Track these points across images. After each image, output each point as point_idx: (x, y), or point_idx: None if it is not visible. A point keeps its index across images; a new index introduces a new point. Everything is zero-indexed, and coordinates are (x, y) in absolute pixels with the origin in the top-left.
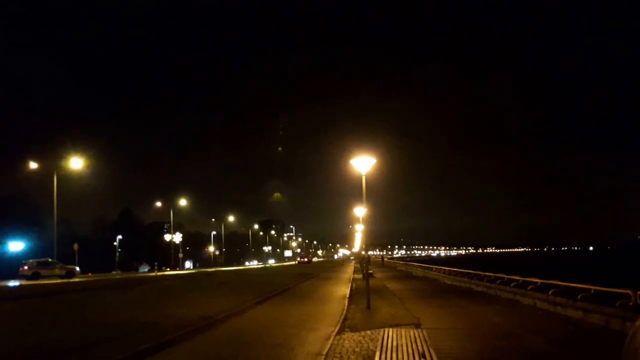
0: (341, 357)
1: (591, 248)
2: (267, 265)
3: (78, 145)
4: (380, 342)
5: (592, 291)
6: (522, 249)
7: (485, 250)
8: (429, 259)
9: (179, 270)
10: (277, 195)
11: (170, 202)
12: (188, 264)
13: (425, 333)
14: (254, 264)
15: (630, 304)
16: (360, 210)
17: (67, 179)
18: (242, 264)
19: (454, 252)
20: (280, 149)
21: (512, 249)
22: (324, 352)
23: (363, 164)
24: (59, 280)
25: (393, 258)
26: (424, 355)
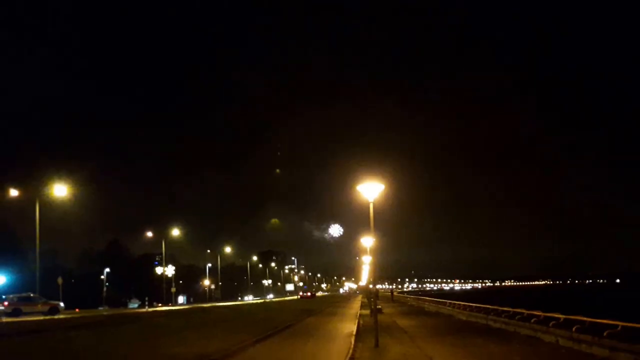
0: None
1: (618, 280)
2: (266, 300)
3: (62, 171)
4: None
5: (620, 327)
6: (543, 282)
7: (503, 284)
8: (442, 293)
9: (172, 305)
10: (274, 221)
11: (161, 233)
12: (181, 299)
13: None
14: (249, 299)
15: None
16: (367, 241)
17: (50, 207)
18: (237, 299)
19: (469, 286)
20: (278, 170)
21: (532, 281)
22: None
23: (371, 190)
24: (41, 317)
25: (403, 292)
26: None
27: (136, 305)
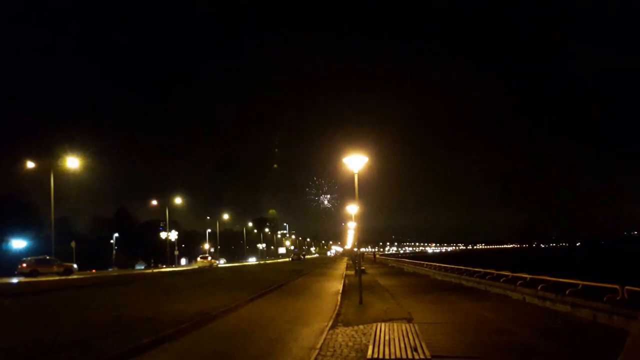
0: (334, 351)
1: (578, 244)
2: (261, 262)
3: (75, 144)
4: (372, 336)
5: (580, 286)
6: (511, 245)
7: (475, 247)
8: (420, 256)
9: (175, 267)
10: (272, 212)
11: (165, 201)
12: (183, 261)
13: (417, 327)
14: (253, 260)
15: (618, 298)
16: (353, 208)
17: (64, 177)
18: (240, 260)
19: (444, 249)
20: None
21: (501, 245)
22: (318, 346)
23: (355, 162)
24: (57, 278)
25: (385, 254)
26: (415, 349)
27: (142, 267)
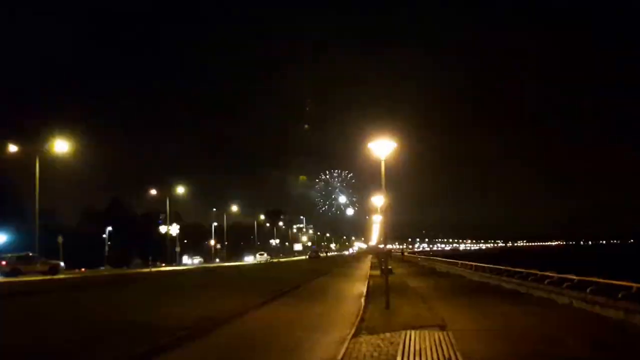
0: None
1: (631, 241)
2: (261, 262)
3: (63, 128)
4: (401, 345)
5: (635, 289)
6: (555, 242)
7: (515, 244)
8: (453, 254)
9: (176, 265)
10: (303, 178)
11: (165, 190)
12: (186, 259)
13: (451, 335)
14: (250, 259)
15: None
16: (379, 200)
17: (51, 164)
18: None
19: (481, 246)
20: (307, 126)
21: (545, 242)
22: (339, 357)
23: (382, 147)
24: (41, 277)
25: (414, 252)
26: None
27: (197, 260)
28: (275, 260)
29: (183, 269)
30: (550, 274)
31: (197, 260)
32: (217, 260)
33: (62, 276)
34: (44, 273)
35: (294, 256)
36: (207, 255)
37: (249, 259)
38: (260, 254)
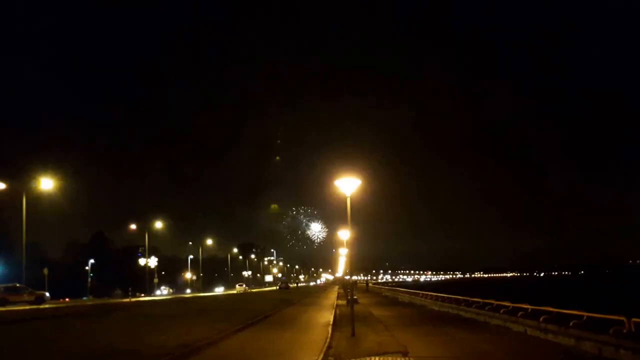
0: None
1: (582, 272)
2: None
3: (49, 165)
4: None
5: (585, 318)
6: (510, 274)
7: (473, 275)
8: (415, 284)
9: (154, 296)
10: (274, 207)
11: (145, 225)
12: (164, 290)
13: None
14: (220, 290)
15: (624, 331)
16: (344, 234)
17: (37, 200)
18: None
19: (441, 277)
20: (278, 157)
21: (500, 273)
22: None
23: (348, 185)
24: (27, 307)
25: (378, 283)
26: None
27: (165, 291)
28: (250, 290)
29: (161, 299)
30: (506, 304)
31: (165, 291)
32: (188, 290)
33: (47, 306)
34: (30, 303)
35: (265, 287)
36: (183, 286)
37: (219, 290)
38: (240, 285)
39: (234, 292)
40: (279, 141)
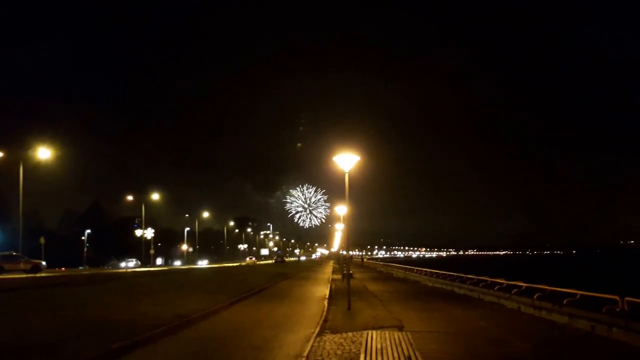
0: (322, 359)
1: (574, 252)
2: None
3: (46, 135)
4: (364, 344)
5: (578, 296)
6: (504, 252)
7: (466, 253)
8: (409, 260)
9: (150, 267)
10: (299, 145)
11: (142, 196)
12: (159, 261)
13: (409, 336)
14: (203, 263)
15: (617, 309)
16: (341, 209)
17: (34, 169)
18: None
19: (434, 254)
20: (299, 144)
21: (493, 251)
22: (304, 354)
23: (346, 161)
24: (23, 275)
25: (373, 258)
26: (409, 358)
27: (132, 265)
28: (258, 262)
29: (157, 270)
30: (500, 281)
31: (131, 263)
32: (177, 262)
33: (43, 274)
34: (26, 271)
35: (261, 260)
36: (179, 258)
37: (202, 263)
38: (250, 258)
39: (242, 264)
40: (301, 128)
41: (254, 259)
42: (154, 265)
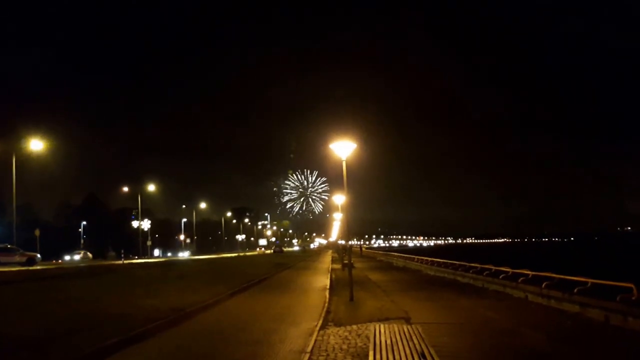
0: (327, 355)
1: (572, 239)
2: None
3: (40, 126)
4: (371, 338)
5: (589, 284)
6: (502, 240)
7: (464, 241)
8: (408, 249)
9: (148, 258)
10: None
11: (138, 187)
12: (157, 252)
13: (420, 329)
14: (184, 255)
15: (633, 298)
16: (339, 198)
17: (28, 160)
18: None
19: (432, 243)
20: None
21: (491, 239)
22: (308, 349)
23: (343, 148)
24: (18, 268)
25: (371, 248)
26: (423, 355)
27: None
28: (266, 252)
29: (154, 262)
30: (505, 269)
31: (77, 256)
32: (180, 254)
33: (38, 267)
34: (21, 264)
35: (257, 251)
36: (178, 249)
37: (183, 255)
38: (259, 248)
39: (250, 254)
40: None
41: (262, 249)
42: (152, 256)
